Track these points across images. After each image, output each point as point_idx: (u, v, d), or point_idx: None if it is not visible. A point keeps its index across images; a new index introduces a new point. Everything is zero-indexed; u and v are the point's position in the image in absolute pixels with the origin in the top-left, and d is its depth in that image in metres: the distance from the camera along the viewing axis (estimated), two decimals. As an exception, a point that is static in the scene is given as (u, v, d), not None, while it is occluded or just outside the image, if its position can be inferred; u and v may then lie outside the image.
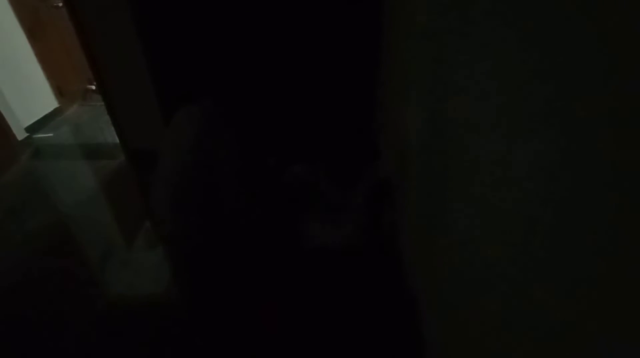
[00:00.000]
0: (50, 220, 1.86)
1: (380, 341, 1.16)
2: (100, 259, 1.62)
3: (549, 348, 0.46)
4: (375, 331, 1.19)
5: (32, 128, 2.73)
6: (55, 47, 2.96)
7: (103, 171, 2.29)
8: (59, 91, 3.03)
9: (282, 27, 1.59)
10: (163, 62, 1.75)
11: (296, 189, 1.47)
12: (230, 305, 1.32)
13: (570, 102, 0.41)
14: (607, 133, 0.36)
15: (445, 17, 0.78)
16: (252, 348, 1.19)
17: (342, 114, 1.77)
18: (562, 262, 0.43)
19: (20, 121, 2.62)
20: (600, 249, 0.37)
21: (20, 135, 2.59)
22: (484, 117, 0.61)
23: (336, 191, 1.47)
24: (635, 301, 0.33)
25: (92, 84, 3.07)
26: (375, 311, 1.25)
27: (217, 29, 1.62)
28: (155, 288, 1.47)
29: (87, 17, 1.86)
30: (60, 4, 2.71)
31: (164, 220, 1.21)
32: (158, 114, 1.93)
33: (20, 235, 1.75)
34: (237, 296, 1.33)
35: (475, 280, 0.68)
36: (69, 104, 3.16)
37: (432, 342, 1.00)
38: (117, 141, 2.28)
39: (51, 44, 2.92)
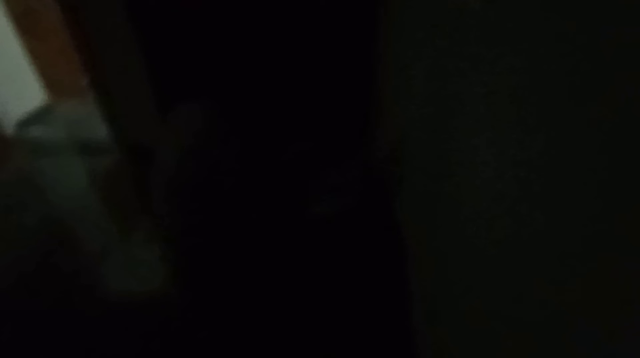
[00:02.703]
0: (43, 217, 1.83)
1: (375, 337, 1.16)
2: (97, 256, 1.61)
3: (548, 347, 0.46)
4: (370, 325, 1.19)
5: (23, 124, 2.69)
6: (47, 41, 2.90)
7: (97, 167, 2.25)
8: (51, 86, 2.97)
9: (279, 20, 1.57)
10: (157, 55, 1.72)
11: (294, 172, 1.45)
12: (229, 301, 1.32)
13: (571, 102, 0.40)
14: (608, 134, 0.35)
15: (447, 14, 0.77)
16: (250, 344, 1.18)
17: (339, 106, 1.76)
18: (563, 261, 0.43)
19: (11, 116, 2.58)
20: (600, 248, 0.37)
21: (11, 131, 2.55)
22: (485, 115, 0.61)
23: (333, 174, 1.45)
24: (635, 300, 0.33)
25: (85, 79, 3.02)
26: (370, 309, 1.25)
27: (212, 23, 1.59)
28: (152, 285, 1.46)
29: (79, 9, 1.81)
30: (51, -4, 2.65)
31: (164, 217, 1.20)
32: (153, 108, 1.91)
33: (13, 232, 1.73)
34: (236, 292, 1.32)
35: (473, 279, 0.68)
36: (61, 99, 3.10)
37: (429, 342, 1.00)
38: (111, 136, 2.25)
39: (43, 38, 2.86)
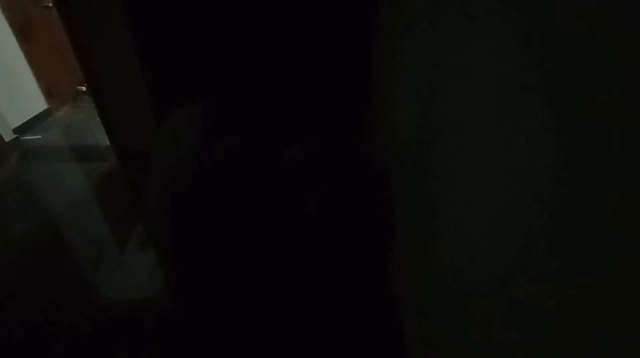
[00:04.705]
0: (40, 223, 1.82)
1: (370, 340, 1.15)
2: (92, 262, 1.59)
3: (548, 350, 0.46)
4: (365, 328, 1.18)
5: (20, 130, 2.68)
6: (46, 48, 2.91)
7: (94, 174, 2.25)
8: (49, 92, 2.98)
9: (276, 20, 1.59)
10: (155, 62, 1.73)
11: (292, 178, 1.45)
12: (226, 306, 1.31)
13: (571, 101, 0.41)
14: (609, 133, 0.36)
15: (445, 13, 0.78)
16: (247, 349, 1.17)
17: (336, 106, 1.77)
18: (563, 263, 0.43)
19: (8, 123, 2.58)
20: (601, 249, 0.37)
21: (8, 137, 2.54)
22: (484, 115, 0.61)
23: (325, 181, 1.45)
24: (636, 301, 0.33)
25: (83, 85, 3.03)
26: (364, 311, 1.24)
27: (209, 29, 1.61)
28: (148, 291, 1.44)
29: (78, 17, 1.83)
30: (51, 4, 2.67)
31: (161, 222, 1.19)
32: (150, 115, 1.91)
33: (9, 238, 1.71)
34: (232, 298, 1.31)
35: (471, 280, 0.68)
36: (59, 106, 3.11)
37: (423, 343, 0.99)
38: (109, 142, 2.25)
39: (41, 45, 2.88)
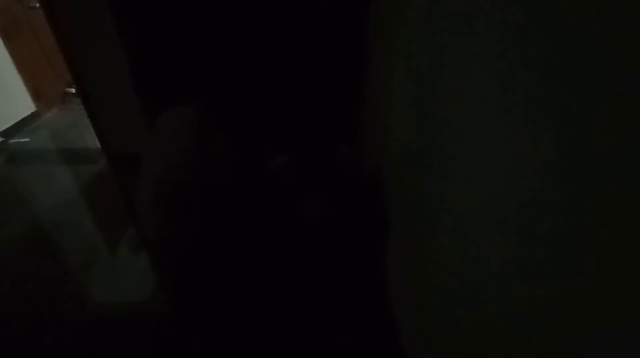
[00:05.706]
0: (28, 227, 1.78)
1: (368, 343, 1.15)
2: (82, 267, 1.57)
3: (548, 350, 0.46)
4: (363, 330, 1.18)
5: (7, 133, 2.63)
6: (32, 49, 2.86)
7: (83, 177, 2.22)
8: (36, 94, 2.93)
9: (267, 21, 1.57)
10: (145, 63, 1.70)
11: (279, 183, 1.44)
12: (220, 307, 1.30)
13: (570, 102, 0.40)
14: (607, 134, 0.35)
15: (442, 14, 0.77)
16: (243, 350, 1.16)
17: (327, 107, 1.76)
18: (563, 262, 0.42)
19: (-4, 125, 2.53)
20: (600, 249, 0.37)
21: (-5, 139, 2.50)
22: (482, 116, 0.61)
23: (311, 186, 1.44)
24: (635, 300, 0.33)
25: (71, 87, 2.98)
26: (363, 314, 1.24)
27: (199, 28, 1.59)
28: (139, 295, 1.43)
29: (65, 18, 1.80)
30: (37, 4, 2.62)
31: (154, 224, 1.18)
32: (140, 117, 1.88)
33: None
34: (225, 300, 1.30)
35: (471, 281, 0.68)
36: (47, 108, 3.06)
37: (422, 344, 0.99)
38: (98, 145, 2.22)
39: (28, 46, 2.82)
